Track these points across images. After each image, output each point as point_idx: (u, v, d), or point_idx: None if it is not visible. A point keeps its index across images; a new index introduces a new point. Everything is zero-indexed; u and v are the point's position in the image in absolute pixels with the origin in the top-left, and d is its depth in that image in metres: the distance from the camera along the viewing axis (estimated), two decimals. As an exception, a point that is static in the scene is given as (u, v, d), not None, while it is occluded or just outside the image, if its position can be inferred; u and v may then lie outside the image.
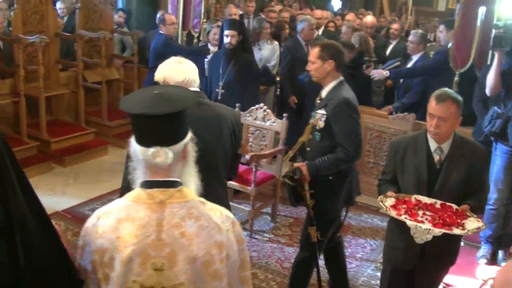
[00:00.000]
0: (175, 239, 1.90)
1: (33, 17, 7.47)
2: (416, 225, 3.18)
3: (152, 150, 1.90)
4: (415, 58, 7.13)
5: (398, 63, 7.49)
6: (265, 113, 5.90)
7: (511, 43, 4.83)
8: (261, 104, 5.99)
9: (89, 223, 1.99)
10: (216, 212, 2.01)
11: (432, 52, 7.55)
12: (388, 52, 8.43)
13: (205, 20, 8.10)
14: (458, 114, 3.40)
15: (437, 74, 6.49)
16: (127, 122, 7.66)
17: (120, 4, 9.16)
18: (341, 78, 4.08)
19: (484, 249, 5.38)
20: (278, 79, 7.67)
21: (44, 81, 7.18)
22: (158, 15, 8.32)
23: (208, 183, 2.21)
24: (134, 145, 1.95)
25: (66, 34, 8.12)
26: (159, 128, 1.91)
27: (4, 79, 7.25)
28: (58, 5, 8.62)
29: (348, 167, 4.07)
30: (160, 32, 7.27)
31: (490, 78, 5.03)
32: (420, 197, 3.42)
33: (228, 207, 2.91)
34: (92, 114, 8.15)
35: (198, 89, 3.18)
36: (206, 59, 6.77)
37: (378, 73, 6.97)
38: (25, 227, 1.72)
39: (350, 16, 10.55)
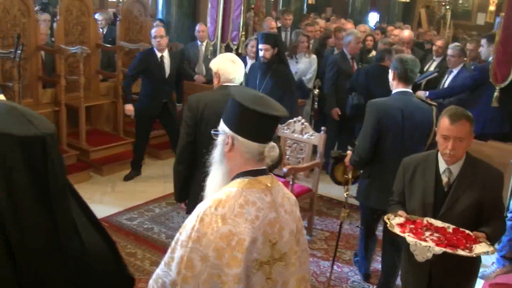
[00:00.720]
0: (282, 216, 2.27)
1: (75, 28, 7.62)
2: (415, 242, 3.02)
3: (270, 145, 2.25)
4: (455, 71, 7.09)
5: (435, 74, 7.44)
6: (303, 126, 5.90)
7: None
8: (299, 117, 5.99)
9: (204, 215, 2.14)
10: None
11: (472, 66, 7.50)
12: (431, 69, 8.35)
13: (243, 33, 8.15)
14: (472, 132, 3.21)
15: (477, 90, 6.42)
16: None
17: (160, 16, 9.27)
18: None
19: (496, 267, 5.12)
20: (316, 92, 7.68)
21: (84, 91, 7.31)
22: (196, 28, 8.43)
23: None
24: (247, 142, 2.22)
25: (107, 45, 8.25)
26: (273, 127, 2.31)
27: (46, 89, 7.40)
28: (97, 16, 8.77)
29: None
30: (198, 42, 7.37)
31: None
32: (432, 220, 3.23)
33: None
34: (130, 125, 8.23)
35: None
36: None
37: (418, 94, 6.94)
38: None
39: (396, 31, 10.36)
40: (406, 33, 8.95)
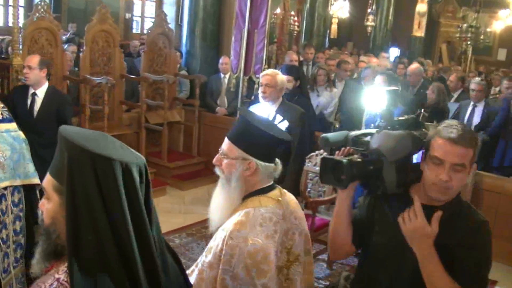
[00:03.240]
0: (293, 223, 2.48)
1: (100, 59, 7.75)
2: None
3: (276, 161, 2.49)
4: (480, 105, 7.21)
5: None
6: (325, 159, 5.89)
7: None
8: (321, 151, 5.99)
9: (229, 239, 2.32)
10: None
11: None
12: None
13: (266, 66, 8.22)
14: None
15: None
16: (184, 164, 7.80)
17: (183, 48, 9.40)
18: None
19: None
20: (337, 126, 7.70)
21: (108, 121, 7.39)
22: (220, 60, 8.53)
23: None
24: (265, 165, 2.43)
25: (132, 76, 8.37)
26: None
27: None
28: (66, 47, 8.76)
29: None
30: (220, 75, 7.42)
31: None
32: None
33: None
34: (152, 155, 8.29)
35: None
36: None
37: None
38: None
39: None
40: (414, 66, 8.98)
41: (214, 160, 2.52)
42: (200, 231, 6.47)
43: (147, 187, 1.73)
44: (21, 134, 3.95)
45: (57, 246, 1.71)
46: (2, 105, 3.99)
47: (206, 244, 5.95)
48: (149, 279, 1.68)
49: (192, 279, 2.40)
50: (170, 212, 7.06)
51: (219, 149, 2.50)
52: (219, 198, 2.50)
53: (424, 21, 17.28)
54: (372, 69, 7.55)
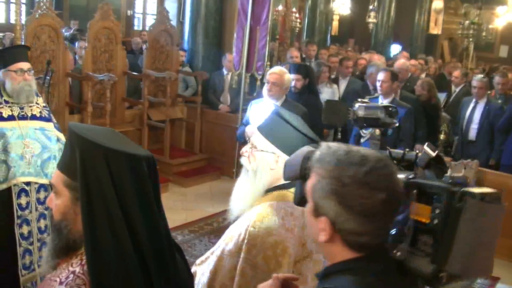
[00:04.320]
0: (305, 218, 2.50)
1: (102, 56, 7.75)
2: None
3: None
4: (482, 102, 7.23)
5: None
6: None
7: None
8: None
9: (252, 229, 2.35)
10: None
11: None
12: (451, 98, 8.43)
13: (268, 63, 8.22)
14: None
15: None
16: (186, 161, 7.81)
17: (185, 45, 9.39)
18: None
19: None
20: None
21: (110, 118, 7.40)
22: (225, 57, 8.53)
23: None
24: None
25: (134, 73, 8.37)
26: None
27: (73, 114, 7.51)
28: None
29: None
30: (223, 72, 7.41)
31: None
32: None
33: None
34: (154, 152, 8.22)
35: None
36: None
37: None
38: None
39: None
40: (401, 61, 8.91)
41: (242, 150, 2.55)
42: (203, 228, 6.48)
43: (155, 180, 1.77)
44: (58, 135, 3.99)
45: (69, 240, 1.74)
46: (44, 105, 4.05)
47: (209, 241, 5.95)
48: (160, 271, 1.70)
49: (206, 266, 2.47)
50: (172, 209, 7.06)
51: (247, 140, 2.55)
52: (243, 188, 2.54)
53: (440, 18, 17.14)
54: (376, 67, 7.53)
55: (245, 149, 2.56)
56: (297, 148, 2.43)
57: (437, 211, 1.60)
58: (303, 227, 2.46)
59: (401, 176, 1.64)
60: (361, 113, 2.76)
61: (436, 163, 1.86)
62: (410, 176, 1.68)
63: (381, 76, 6.14)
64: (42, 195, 3.85)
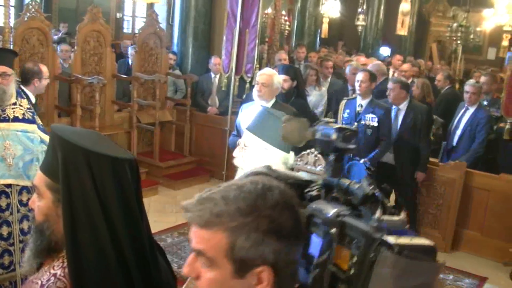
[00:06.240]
0: None
1: (91, 59, 7.75)
2: None
3: None
4: (472, 108, 6.92)
5: None
6: (316, 158, 5.89)
7: None
8: (312, 149, 6.00)
9: None
10: None
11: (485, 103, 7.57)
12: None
13: (258, 65, 8.23)
14: None
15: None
16: (177, 164, 7.81)
17: (175, 48, 9.40)
18: None
19: None
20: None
21: (99, 120, 7.39)
22: (211, 60, 8.54)
23: None
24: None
25: (123, 75, 8.37)
26: None
27: (61, 117, 7.49)
28: None
29: None
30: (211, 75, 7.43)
31: None
32: None
33: None
34: (144, 155, 8.30)
35: None
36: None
37: None
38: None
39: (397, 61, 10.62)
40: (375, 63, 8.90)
41: (234, 152, 2.58)
42: (192, 230, 6.48)
43: (137, 183, 1.77)
44: (42, 137, 3.97)
45: (51, 242, 1.74)
46: (28, 106, 4.03)
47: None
48: (142, 274, 1.71)
49: None
50: (162, 211, 7.07)
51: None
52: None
53: (407, 20, 17.31)
54: (354, 66, 7.59)
55: (237, 151, 2.58)
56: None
57: (355, 259, 1.33)
58: None
59: (332, 210, 1.41)
60: (318, 134, 2.20)
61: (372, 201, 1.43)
62: (342, 213, 1.41)
63: (359, 76, 6.18)
64: (24, 197, 3.84)
